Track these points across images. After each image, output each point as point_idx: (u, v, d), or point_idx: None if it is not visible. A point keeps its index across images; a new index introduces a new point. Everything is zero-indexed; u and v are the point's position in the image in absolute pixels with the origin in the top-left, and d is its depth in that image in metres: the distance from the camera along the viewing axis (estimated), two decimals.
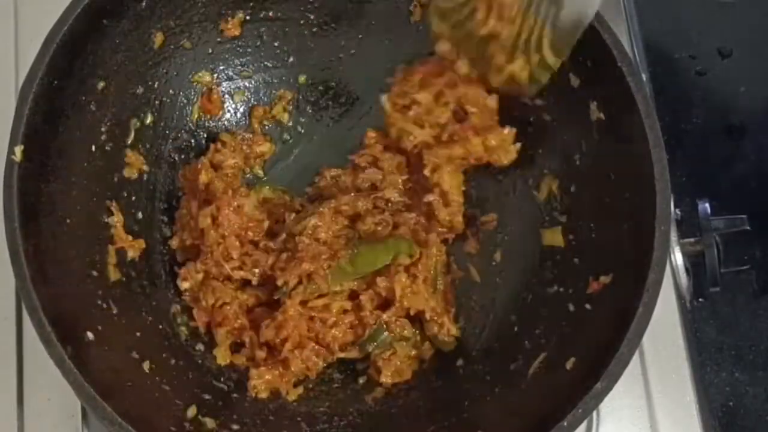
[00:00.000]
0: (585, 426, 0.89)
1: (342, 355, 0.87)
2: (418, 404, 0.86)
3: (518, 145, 0.86)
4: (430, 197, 0.88)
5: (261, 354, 0.85)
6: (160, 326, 0.86)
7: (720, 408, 0.93)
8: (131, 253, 0.87)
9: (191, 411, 0.80)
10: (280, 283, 0.85)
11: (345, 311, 0.86)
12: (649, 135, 0.76)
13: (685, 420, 0.90)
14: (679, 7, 1.11)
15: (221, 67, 0.95)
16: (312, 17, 0.94)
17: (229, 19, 0.92)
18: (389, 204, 0.91)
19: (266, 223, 0.89)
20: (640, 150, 0.76)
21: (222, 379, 0.86)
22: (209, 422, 0.80)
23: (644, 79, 1.00)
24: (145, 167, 0.90)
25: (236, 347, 0.88)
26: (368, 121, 0.96)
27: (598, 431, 0.89)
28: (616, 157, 0.80)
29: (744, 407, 0.93)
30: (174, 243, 0.91)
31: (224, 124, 0.96)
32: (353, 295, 0.87)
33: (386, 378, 0.86)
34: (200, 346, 0.88)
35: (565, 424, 0.71)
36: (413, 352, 0.88)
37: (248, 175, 0.96)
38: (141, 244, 0.88)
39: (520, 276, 0.89)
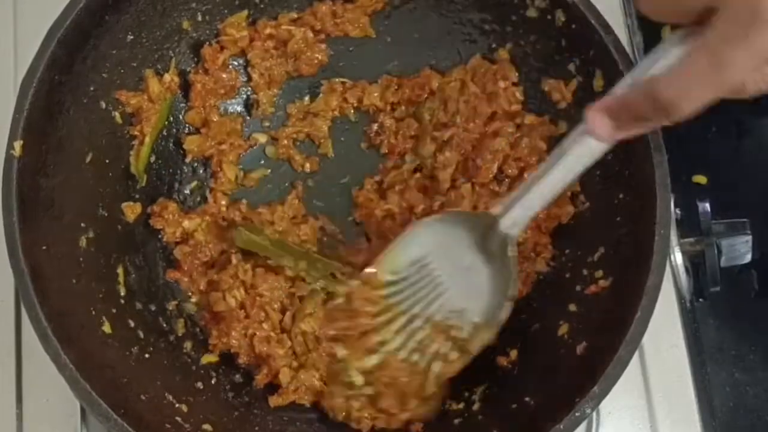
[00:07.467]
0: (585, 426, 0.89)
1: None
2: None
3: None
4: None
5: None
6: (158, 320, 0.87)
7: (720, 408, 0.93)
8: None
9: (185, 407, 0.80)
10: None
11: None
12: (650, 138, 0.75)
13: (685, 420, 0.90)
14: None
15: None
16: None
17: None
18: None
19: None
20: (641, 153, 0.76)
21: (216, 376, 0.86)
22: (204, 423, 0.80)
23: None
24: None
25: None
26: None
27: (599, 431, 0.89)
28: (617, 160, 0.80)
29: (744, 407, 0.93)
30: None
31: None
32: None
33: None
34: (190, 344, 0.87)
35: (562, 426, 0.71)
36: None
37: None
38: None
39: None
